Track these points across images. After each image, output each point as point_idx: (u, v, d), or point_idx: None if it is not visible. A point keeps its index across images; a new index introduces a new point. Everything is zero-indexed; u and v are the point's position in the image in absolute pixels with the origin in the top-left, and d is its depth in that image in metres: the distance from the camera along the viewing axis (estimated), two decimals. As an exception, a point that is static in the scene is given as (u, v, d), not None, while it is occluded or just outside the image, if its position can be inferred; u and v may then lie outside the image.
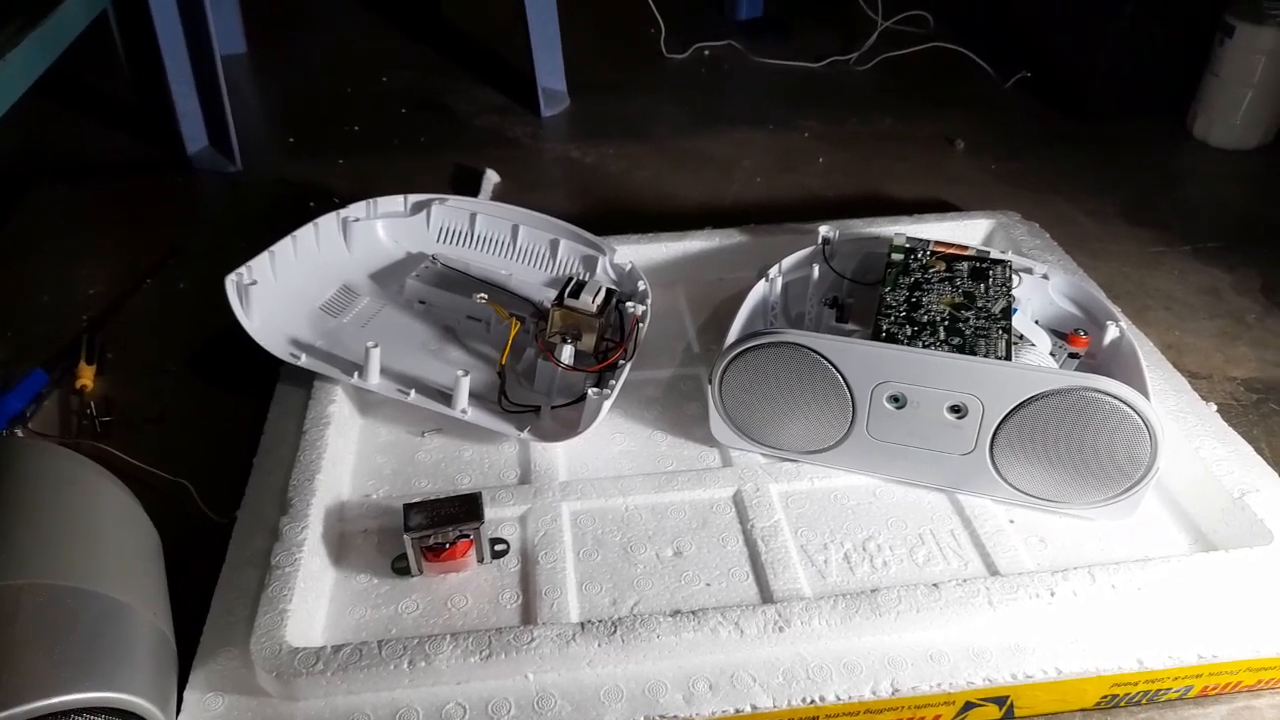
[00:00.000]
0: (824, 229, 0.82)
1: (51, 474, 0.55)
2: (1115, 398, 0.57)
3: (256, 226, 1.05)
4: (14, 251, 1.02)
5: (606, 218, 0.94)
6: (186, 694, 0.52)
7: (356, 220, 0.84)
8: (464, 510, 0.60)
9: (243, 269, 0.73)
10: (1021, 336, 0.69)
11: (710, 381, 0.67)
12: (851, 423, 0.64)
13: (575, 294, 0.72)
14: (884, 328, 0.66)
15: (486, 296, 0.75)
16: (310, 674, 0.51)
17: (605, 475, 0.68)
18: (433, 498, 0.61)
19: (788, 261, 0.80)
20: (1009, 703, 0.53)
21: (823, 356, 0.62)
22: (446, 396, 0.70)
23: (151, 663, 0.48)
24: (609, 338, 0.75)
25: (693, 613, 0.54)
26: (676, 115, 1.36)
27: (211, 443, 0.75)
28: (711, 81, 1.49)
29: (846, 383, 0.62)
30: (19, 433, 0.75)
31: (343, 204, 0.86)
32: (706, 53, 1.56)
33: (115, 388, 0.81)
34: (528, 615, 0.58)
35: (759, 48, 1.55)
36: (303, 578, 0.57)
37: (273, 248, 0.77)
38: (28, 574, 0.47)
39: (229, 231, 1.07)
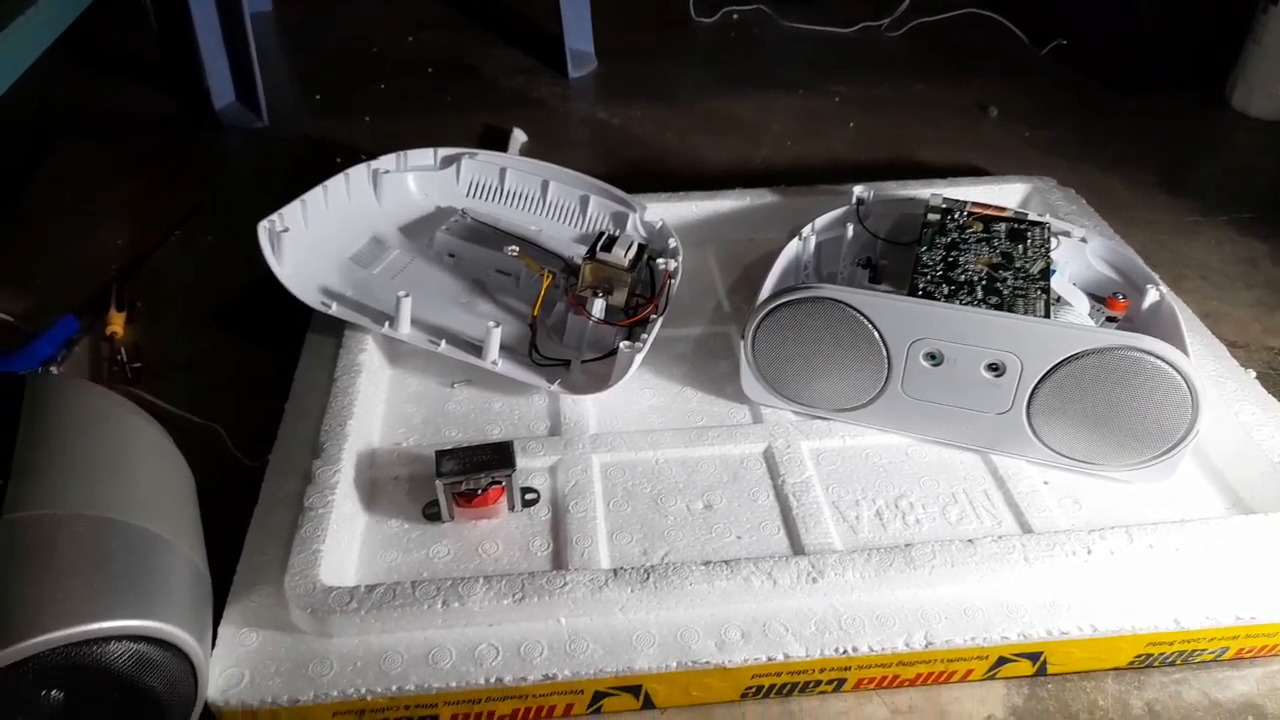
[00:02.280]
0: (858, 189, 0.81)
1: (88, 410, 0.55)
2: (1158, 357, 0.56)
3: (283, 182, 1.05)
4: (42, 204, 1.02)
5: (634, 179, 0.93)
6: (221, 629, 0.52)
7: (387, 172, 0.83)
8: (496, 457, 0.60)
9: (275, 216, 0.73)
10: (1059, 298, 0.68)
11: (743, 337, 0.66)
12: (886, 380, 0.63)
13: (607, 248, 0.72)
14: (920, 286, 0.66)
15: (518, 249, 0.75)
16: (344, 612, 0.51)
17: (635, 429, 0.68)
18: (465, 445, 0.61)
19: (821, 221, 0.79)
20: (1042, 659, 0.53)
21: (859, 312, 0.61)
22: (476, 348, 0.70)
23: (188, 595, 0.49)
24: (639, 293, 0.74)
25: (725, 562, 0.54)
26: (704, 78, 1.35)
27: (240, 391, 0.75)
28: (740, 45, 1.47)
29: (883, 339, 0.61)
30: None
31: (365, 160, 0.85)
32: (735, 16, 1.54)
33: (144, 336, 0.82)
34: (558, 562, 0.58)
35: (788, 12, 1.53)
36: (335, 520, 0.57)
37: (304, 196, 0.76)
38: (67, 505, 0.47)
39: (256, 186, 1.07)
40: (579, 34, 1.32)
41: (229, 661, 0.51)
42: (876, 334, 0.61)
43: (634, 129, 1.20)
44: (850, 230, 0.78)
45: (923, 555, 0.54)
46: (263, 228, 0.72)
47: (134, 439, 0.55)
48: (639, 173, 1.09)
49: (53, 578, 0.44)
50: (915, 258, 0.70)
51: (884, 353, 0.62)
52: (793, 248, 0.76)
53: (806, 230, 0.78)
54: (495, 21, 1.50)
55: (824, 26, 1.50)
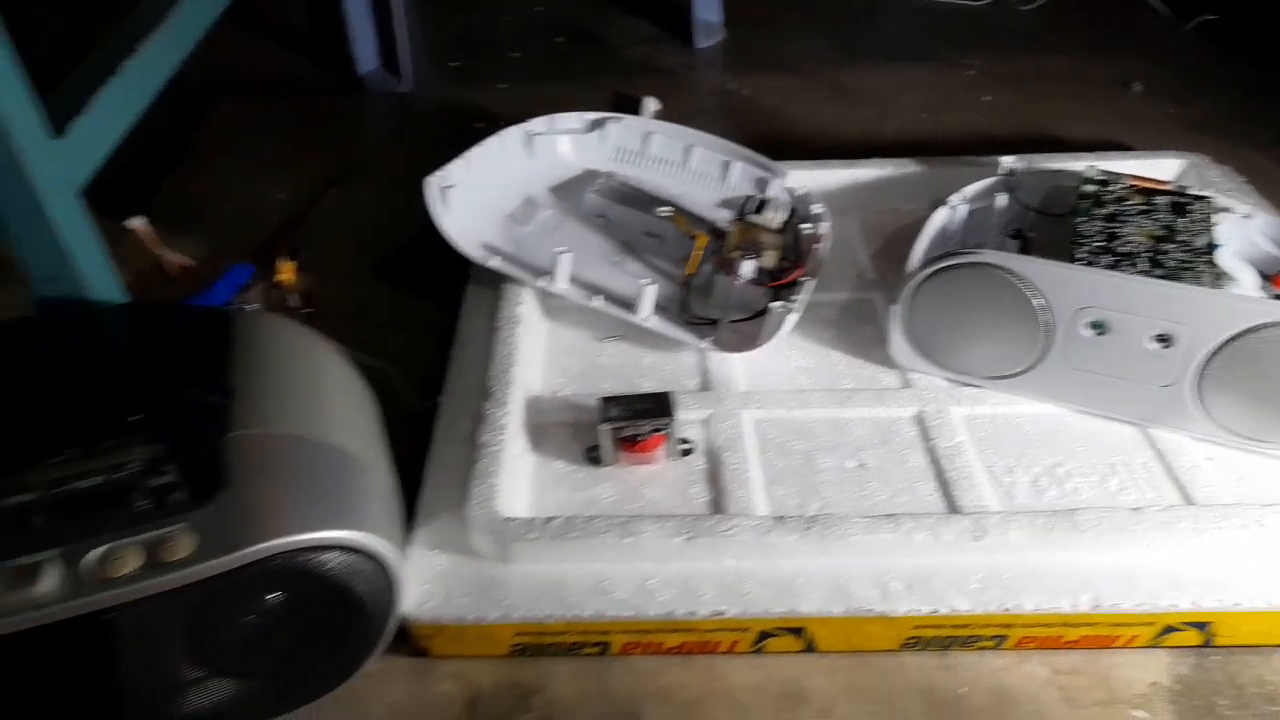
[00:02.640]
0: (1008, 159, 0.81)
1: (290, 343, 0.59)
2: (1343, 332, 0.55)
3: (427, 143, 1.10)
4: (205, 160, 1.09)
5: (765, 148, 0.93)
6: (410, 550, 0.56)
7: (539, 134, 0.86)
8: (657, 407, 0.62)
9: (441, 172, 0.76)
10: (1223, 273, 0.67)
11: (896, 301, 0.67)
12: (1045, 349, 0.63)
13: (758, 211, 0.73)
14: (1080, 256, 0.65)
15: (671, 210, 0.77)
16: (524, 540, 0.54)
17: (784, 388, 0.69)
18: (627, 394, 0.63)
19: (970, 190, 0.79)
20: (1210, 629, 0.53)
21: (1023, 278, 0.61)
22: (628, 305, 0.72)
23: (387, 514, 0.52)
24: (787, 257, 0.76)
25: (888, 515, 0.55)
26: (833, 50, 1.34)
27: (402, 338, 0.79)
28: (868, 18, 1.45)
29: (1047, 306, 0.61)
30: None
31: (511, 124, 0.88)
32: (862, -11, 1.52)
33: (312, 284, 0.86)
34: (717, 509, 0.60)
35: (918, -15, 1.51)
36: (507, 457, 0.60)
37: (467, 154, 0.80)
38: (284, 426, 0.52)
39: (400, 148, 1.11)
40: (708, 4, 1.32)
41: (419, 580, 0.54)
42: (1040, 301, 0.61)
43: (762, 99, 1.20)
44: (1000, 201, 0.78)
45: (1088, 520, 0.54)
46: (430, 183, 0.75)
47: (331, 371, 0.59)
48: (769, 142, 1.09)
49: (278, 490, 0.48)
50: (1072, 229, 0.69)
51: (1046, 320, 0.62)
52: (941, 216, 0.76)
53: (956, 199, 0.78)
54: (619, -9, 1.52)
55: (955, 0, 1.47)
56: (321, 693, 0.52)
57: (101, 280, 0.61)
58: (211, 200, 0.99)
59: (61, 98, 0.59)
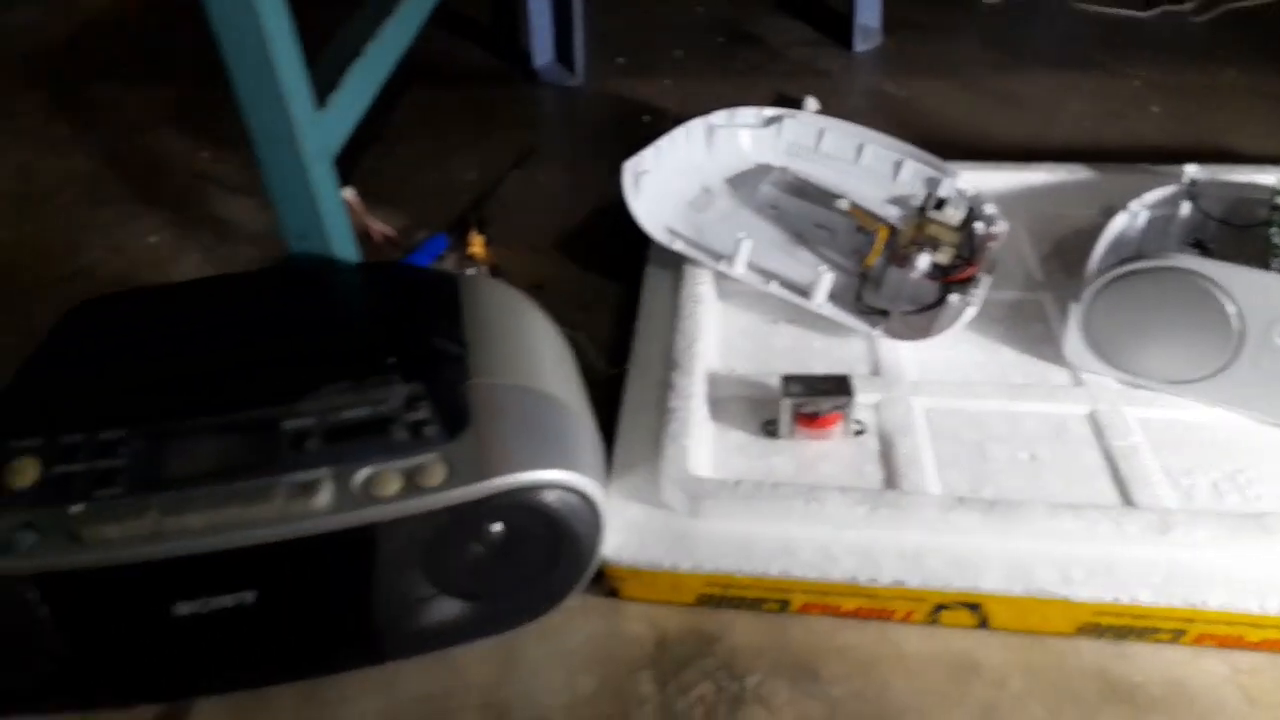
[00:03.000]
0: (1190, 168, 0.81)
1: (508, 303, 0.65)
2: None
3: (598, 135, 1.16)
4: (397, 140, 1.17)
5: (929, 151, 0.95)
6: (609, 498, 0.61)
7: (720, 127, 0.90)
8: (836, 386, 0.66)
9: (637, 157, 0.82)
10: None
11: (1077, 301, 0.69)
12: (1234, 357, 0.64)
13: (938, 207, 0.75)
14: (1274, 267, 0.65)
15: (849, 203, 0.80)
16: (715, 499, 0.58)
17: (954, 379, 0.71)
18: (807, 374, 0.67)
19: (1150, 197, 0.79)
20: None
21: (1219, 285, 0.62)
22: (802, 291, 0.76)
23: (596, 460, 0.57)
24: (960, 254, 0.78)
25: (1070, 504, 0.57)
26: (992, 57, 1.34)
27: (582, 311, 0.84)
28: (1026, 25, 1.44)
29: (1240, 314, 0.62)
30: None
31: (676, 120, 0.93)
32: (1022, -4, 1.51)
33: (499, 257, 0.93)
34: (889, 488, 0.63)
35: (1080, -6, 1.49)
36: (695, 423, 0.64)
37: (657, 142, 0.85)
38: (512, 377, 0.57)
39: (573, 136, 1.17)
40: (869, 8, 1.34)
41: (615, 528, 0.59)
42: (1234, 308, 0.62)
43: (922, 102, 1.22)
44: (1183, 209, 0.78)
45: (1278, 525, 0.55)
46: (628, 167, 0.80)
47: (542, 329, 0.65)
48: (932, 146, 1.11)
49: (511, 432, 0.54)
50: (1265, 240, 0.69)
51: (1239, 328, 0.62)
52: (1120, 221, 0.77)
53: (1135, 205, 0.78)
54: (776, -6, 1.55)
55: (1118, 9, 1.44)
56: (528, 619, 0.57)
57: (343, 240, 0.68)
58: (406, 176, 1.07)
59: (320, 73, 0.67)
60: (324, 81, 0.67)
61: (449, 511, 0.50)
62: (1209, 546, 0.55)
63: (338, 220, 0.67)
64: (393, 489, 0.49)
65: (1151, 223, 0.79)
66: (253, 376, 0.55)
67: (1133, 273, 0.65)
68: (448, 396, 0.53)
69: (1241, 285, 0.61)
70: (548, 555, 0.55)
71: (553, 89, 1.28)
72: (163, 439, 0.50)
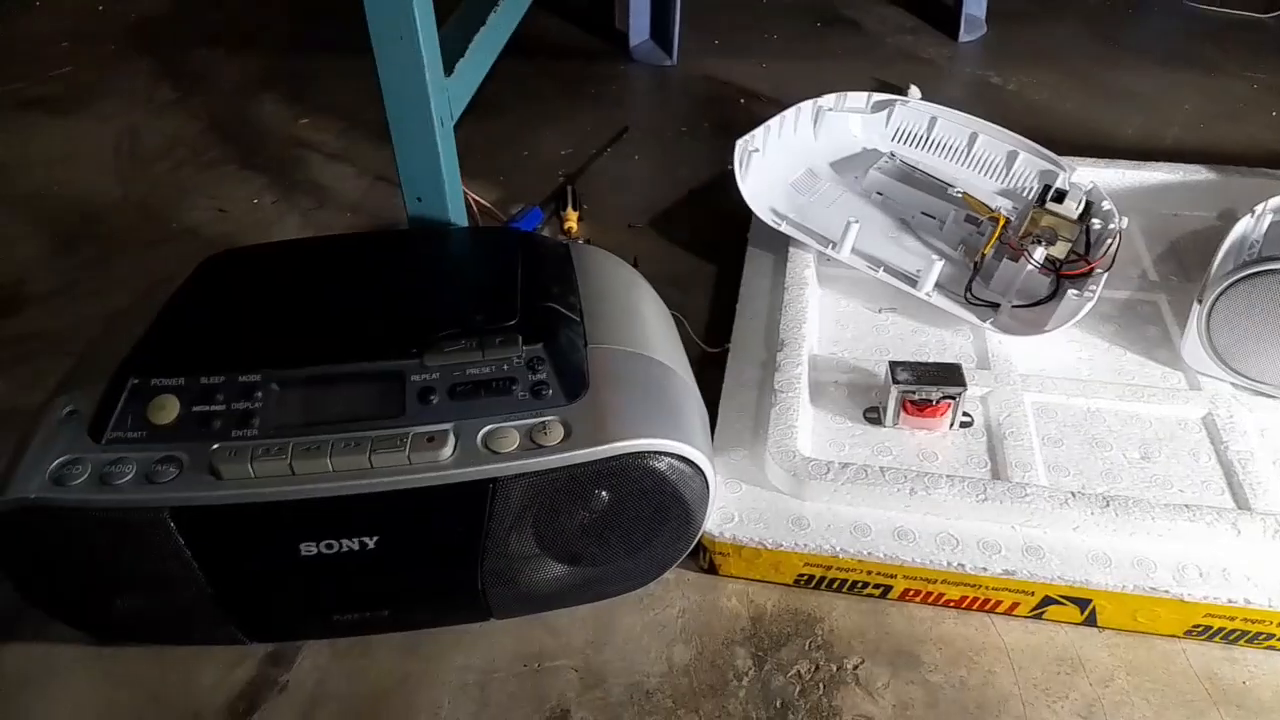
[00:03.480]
0: (1320, 173, 0.78)
1: (617, 272, 0.66)
2: None
3: (692, 116, 1.16)
4: (495, 114, 1.18)
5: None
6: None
7: (829, 110, 0.90)
8: (947, 375, 0.65)
9: (748, 136, 0.81)
10: None
11: (1199, 301, 0.67)
12: (1364, 364, 0.62)
13: (1058, 199, 0.74)
14: None
15: (963, 191, 0.79)
16: (821, 480, 0.58)
17: (1065, 376, 0.70)
18: (916, 361, 0.66)
19: (1274, 201, 0.76)
20: None
21: (1355, 289, 0.60)
22: (909, 279, 0.75)
23: (704, 431, 0.58)
24: (1075, 249, 0.76)
25: (1186, 505, 0.56)
26: (1100, 51, 1.30)
27: (678, 289, 0.85)
28: (1139, 22, 1.40)
29: (1375, 320, 0.60)
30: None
31: (770, 103, 0.92)
32: (1134, -8, 1.46)
33: (593, 233, 0.94)
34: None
35: (1195, -9, 1.44)
36: (800, 404, 0.64)
37: (768, 123, 0.84)
38: (629, 344, 0.58)
39: (667, 117, 1.17)
40: (975, -1, 1.32)
41: (720, 504, 0.60)
42: (1369, 315, 0.60)
43: (1029, 94, 1.19)
44: (1313, 214, 0.75)
45: None
46: (739, 145, 0.80)
47: (651, 301, 0.66)
48: (1036, 139, 1.09)
49: (628, 398, 0.54)
50: (1401, 248, 0.66)
51: (1373, 335, 0.60)
52: (1243, 224, 0.74)
53: (1260, 208, 0.76)
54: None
55: (1236, 10, 1.39)
56: (631, 588, 0.58)
57: (458, 204, 0.70)
58: (502, 149, 1.09)
59: (446, 43, 0.68)
60: (451, 50, 0.68)
61: (565, 471, 0.51)
62: (1335, 558, 0.53)
63: (455, 186, 0.69)
64: (512, 445, 0.50)
65: (1274, 227, 0.76)
66: (379, 332, 0.56)
67: (1259, 274, 0.63)
68: (567, 360, 0.54)
69: (1383, 292, 0.59)
70: (655, 523, 0.55)
71: (647, 68, 1.28)
72: (296, 386, 0.52)
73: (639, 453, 0.52)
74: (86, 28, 1.39)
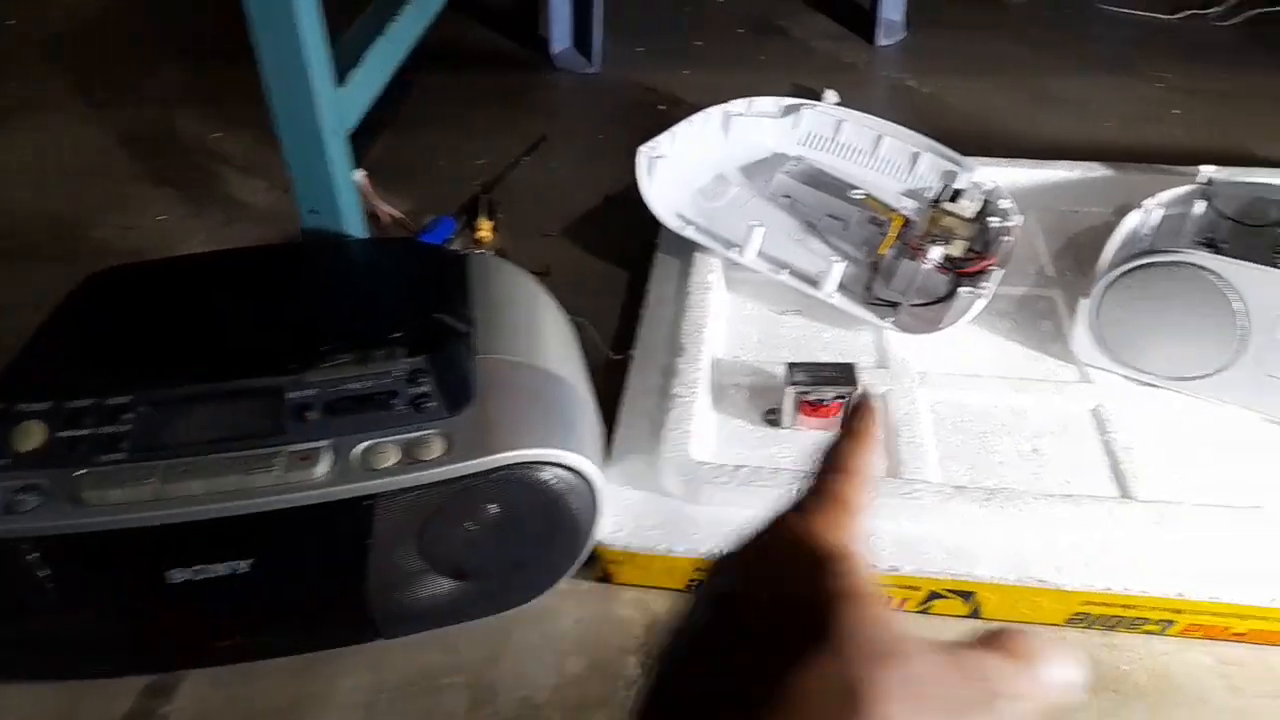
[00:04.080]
0: (1207, 169, 0.80)
1: (514, 282, 0.66)
2: None
3: (612, 123, 1.16)
4: (411, 124, 1.18)
5: (948, 146, 0.95)
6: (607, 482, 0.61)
7: (738, 115, 0.90)
8: (840, 375, 0.65)
9: (652, 143, 0.82)
10: None
11: (1085, 296, 0.68)
12: (1239, 353, 0.63)
13: (954, 199, 0.75)
14: (1285, 265, 0.64)
15: (865, 193, 0.80)
16: (714, 483, 0.59)
17: (961, 373, 0.71)
18: (812, 361, 0.67)
19: (1165, 195, 0.79)
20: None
21: (1225, 280, 0.61)
22: (812, 281, 0.76)
23: (595, 440, 0.58)
24: (972, 247, 0.77)
25: (1067, 495, 0.57)
26: (1017, 54, 1.33)
27: (588, 297, 0.84)
28: (1053, 25, 1.43)
29: (1246, 310, 0.61)
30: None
31: (693, 110, 0.92)
32: (1049, -5, 1.50)
33: (506, 243, 0.94)
34: (892, 477, 0.63)
35: (1107, -6, 1.47)
36: (697, 409, 0.65)
37: (673, 129, 0.85)
38: (517, 354, 0.58)
39: (588, 124, 1.18)
40: (893, 2, 1.34)
41: (612, 511, 0.60)
42: (1240, 305, 0.61)
43: (945, 98, 1.21)
44: (1197, 208, 0.77)
45: (1274, 518, 0.54)
46: (642, 152, 0.81)
47: (548, 311, 0.66)
48: (951, 142, 1.10)
49: (514, 409, 0.54)
50: (1274, 238, 0.68)
51: (1244, 324, 0.62)
52: (1133, 218, 0.76)
53: (1149, 203, 0.78)
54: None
55: (1144, 12, 1.43)
56: (521, 602, 0.58)
57: (353, 216, 0.69)
58: (418, 160, 1.08)
59: (341, 52, 0.67)
60: (345, 59, 0.67)
61: (446, 485, 0.50)
62: (1200, 539, 0.54)
63: (350, 197, 0.68)
64: (390, 461, 0.50)
65: (1165, 221, 0.78)
66: (259, 348, 0.55)
67: (1142, 267, 0.64)
68: (452, 372, 0.54)
69: (1248, 282, 0.61)
70: (543, 535, 0.55)
71: (570, 76, 1.28)
72: (168, 406, 0.51)
73: (523, 464, 0.52)
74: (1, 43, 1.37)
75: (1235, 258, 0.73)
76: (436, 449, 0.50)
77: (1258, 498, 0.60)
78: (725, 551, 0.26)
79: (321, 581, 0.53)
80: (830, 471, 0.26)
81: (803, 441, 0.66)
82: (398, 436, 0.51)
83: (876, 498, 0.56)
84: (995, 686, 0.20)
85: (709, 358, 0.70)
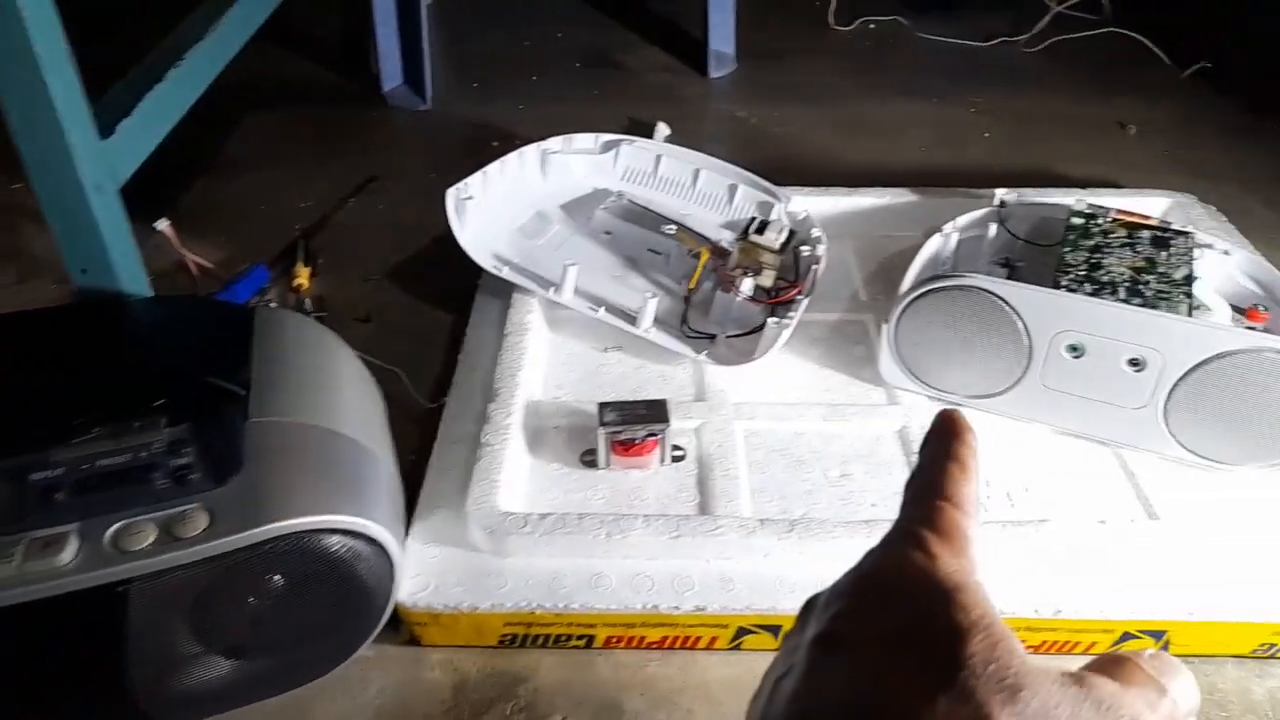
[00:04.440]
0: (1001, 192, 0.84)
1: (306, 338, 0.63)
2: (1306, 363, 0.58)
3: (445, 161, 1.14)
4: (231, 167, 1.13)
5: (772, 175, 0.97)
6: (408, 543, 0.59)
7: (555, 153, 0.90)
8: (652, 413, 0.65)
9: (461, 184, 0.80)
10: (1200, 304, 0.69)
11: (886, 321, 0.70)
12: (1025, 370, 0.66)
13: (760, 231, 0.76)
14: (1064, 283, 0.68)
15: (676, 228, 0.80)
16: (520, 534, 0.57)
17: (775, 401, 0.72)
18: (624, 400, 0.66)
19: (963, 219, 0.82)
20: (1165, 639, 0.55)
21: (1005, 302, 0.64)
22: (631, 317, 0.75)
23: (391, 503, 0.55)
24: (784, 277, 0.79)
25: (865, 521, 0.58)
26: (841, 84, 1.38)
27: (412, 343, 0.82)
28: (876, 54, 1.50)
29: (1026, 329, 0.64)
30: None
31: (526, 143, 0.92)
32: (872, 26, 1.56)
33: (327, 290, 0.90)
34: (704, 513, 0.62)
35: (925, 24, 1.55)
36: (507, 457, 0.63)
37: (486, 169, 0.83)
38: (299, 415, 0.55)
39: (420, 162, 1.15)
40: (722, 36, 1.37)
41: (415, 571, 0.57)
42: (1021, 324, 0.64)
43: (772, 128, 1.24)
44: (992, 230, 0.81)
45: (1055, 532, 0.56)
46: (451, 194, 0.79)
47: (344, 366, 0.63)
48: (776, 170, 1.12)
49: (289, 474, 0.51)
50: (1058, 258, 0.72)
51: (1026, 343, 0.65)
52: (934, 243, 0.80)
53: (949, 227, 0.81)
54: (637, 21, 1.57)
55: (960, 39, 1.51)
56: (316, 675, 0.55)
57: (132, 274, 0.65)
58: (236, 205, 1.03)
59: (110, 101, 0.63)
60: (113, 108, 0.63)
61: (211, 563, 0.47)
62: (991, 557, 0.56)
63: (125, 254, 0.63)
64: (145, 542, 0.46)
65: (963, 244, 0.82)
66: (6, 425, 0.51)
67: (931, 291, 0.67)
68: (220, 439, 0.51)
69: (1026, 302, 0.63)
70: (334, 605, 0.52)
71: (402, 113, 1.25)
72: (-111, 497, 0.46)
73: (299, 532, 0.49)
74: None
75: (1028, 277, 0.77)
76: (199, 524, 0.47)
77: (1049, 510, 0.63)
78: (829, 592, 0.26)
79: (80, 675, 0.48)
80: (938, 500, 0.26)
81: (618, 482, 0.65)
82: (155, 514, 0.47)
83: (681, 536, 0.56)
84: (1126, 714, 0.21)
85: (524, 401, 0.69)
